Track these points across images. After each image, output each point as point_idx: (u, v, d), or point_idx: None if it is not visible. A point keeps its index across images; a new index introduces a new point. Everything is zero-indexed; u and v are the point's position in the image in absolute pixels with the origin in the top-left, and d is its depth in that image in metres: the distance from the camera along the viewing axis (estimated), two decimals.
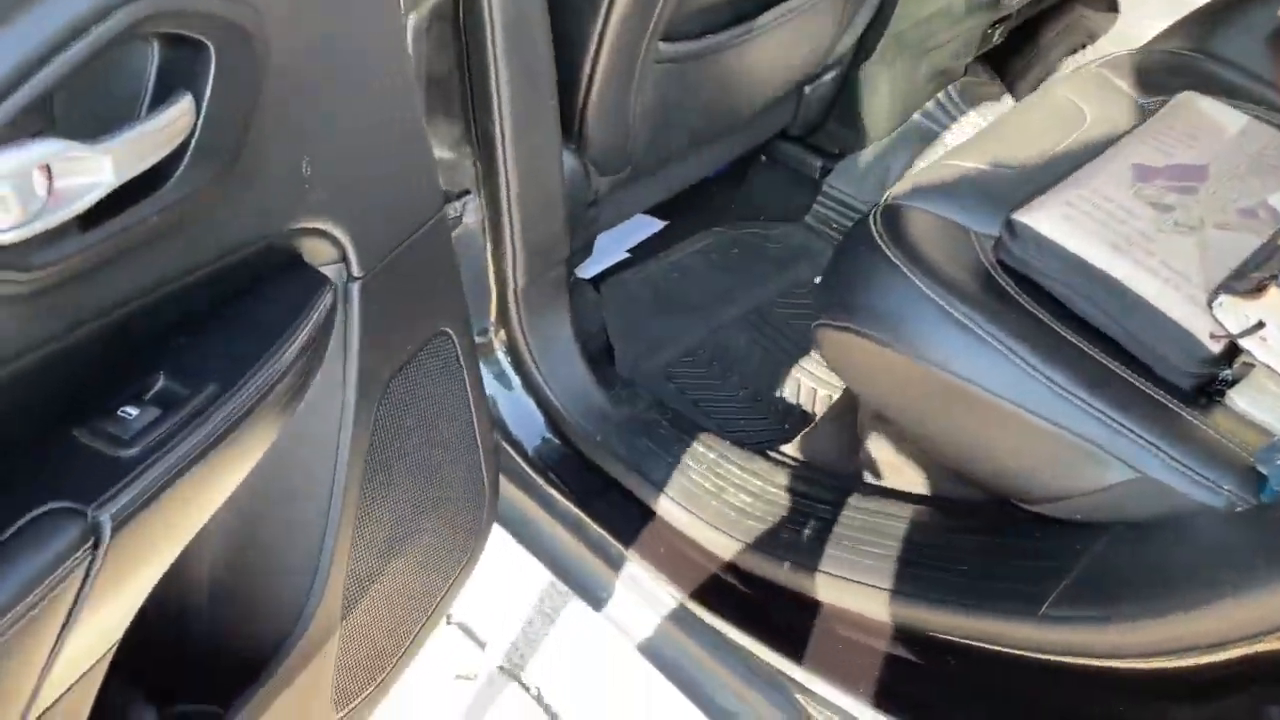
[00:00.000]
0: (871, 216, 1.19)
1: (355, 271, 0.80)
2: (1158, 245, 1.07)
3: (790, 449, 1.46)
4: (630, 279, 1.79)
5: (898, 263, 1.11)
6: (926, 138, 1.93)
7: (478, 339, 1.42)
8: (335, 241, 0.77)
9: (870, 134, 1.90)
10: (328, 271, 0.78)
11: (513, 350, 1.43)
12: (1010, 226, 1.10)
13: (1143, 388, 1.01)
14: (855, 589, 1.15)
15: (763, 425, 1.57)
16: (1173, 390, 1.01)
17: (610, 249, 1.86)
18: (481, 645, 1.76)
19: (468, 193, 1.28)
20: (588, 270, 1.81)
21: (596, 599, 1.40)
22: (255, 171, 0.66)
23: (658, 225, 1.93)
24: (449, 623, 1.79)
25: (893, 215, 1.18)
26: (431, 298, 0.94)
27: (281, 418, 0.72)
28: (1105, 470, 1.00)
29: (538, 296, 1.39)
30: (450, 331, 0.97)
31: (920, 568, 1.12)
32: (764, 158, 1.98)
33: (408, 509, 0.97)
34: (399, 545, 0.98)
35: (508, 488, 1.50)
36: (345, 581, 0.90)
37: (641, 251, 1.88)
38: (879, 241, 1.14)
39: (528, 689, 1.71)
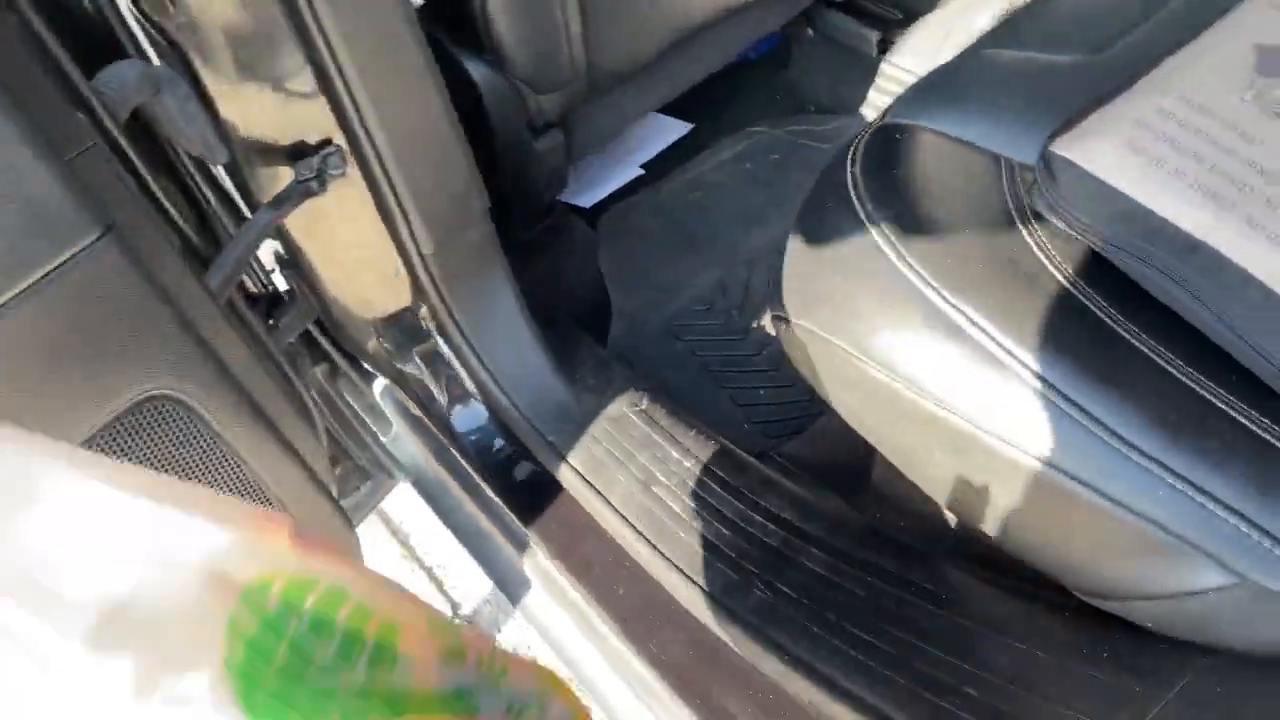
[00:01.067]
0: (851, 149, 0.80)
1: None
2: None
3: (801, 445, 1.10)
4: (637, 205, 1.43)
5: (869, 224, 0.73)
6: None
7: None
8: None
9: None
10: None
11: (442, 331, 1.12)
12: (1046, 163, 0.70)
13: (1249, 424, 0.61)
14: (833, 688, 0.81)
15: (788, 398, 1.21)
16: None
17: (617, 166, 1.50)
18: None
19: (328, 143, 0.95)
20: (586, 198, 1.46)
21: (551, 639, 1.12)
22: None
23: (682, 129, 1.55)
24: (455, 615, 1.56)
25: (885, 145, 0.79)
26: (118, 353, 0.64)
27: None
28: (1188, 569, 0.62)
29: (456, 264, 1.05)
30: (184, 399, 0.68)
31: (922, 684, 0.77)
32: (810, 31, 1.53)
33: None
34: None
35: (459, 494, 1.22)
36: None
37: (659, 165, 1.51)
38: (850, 190, 0.76)
39: None
